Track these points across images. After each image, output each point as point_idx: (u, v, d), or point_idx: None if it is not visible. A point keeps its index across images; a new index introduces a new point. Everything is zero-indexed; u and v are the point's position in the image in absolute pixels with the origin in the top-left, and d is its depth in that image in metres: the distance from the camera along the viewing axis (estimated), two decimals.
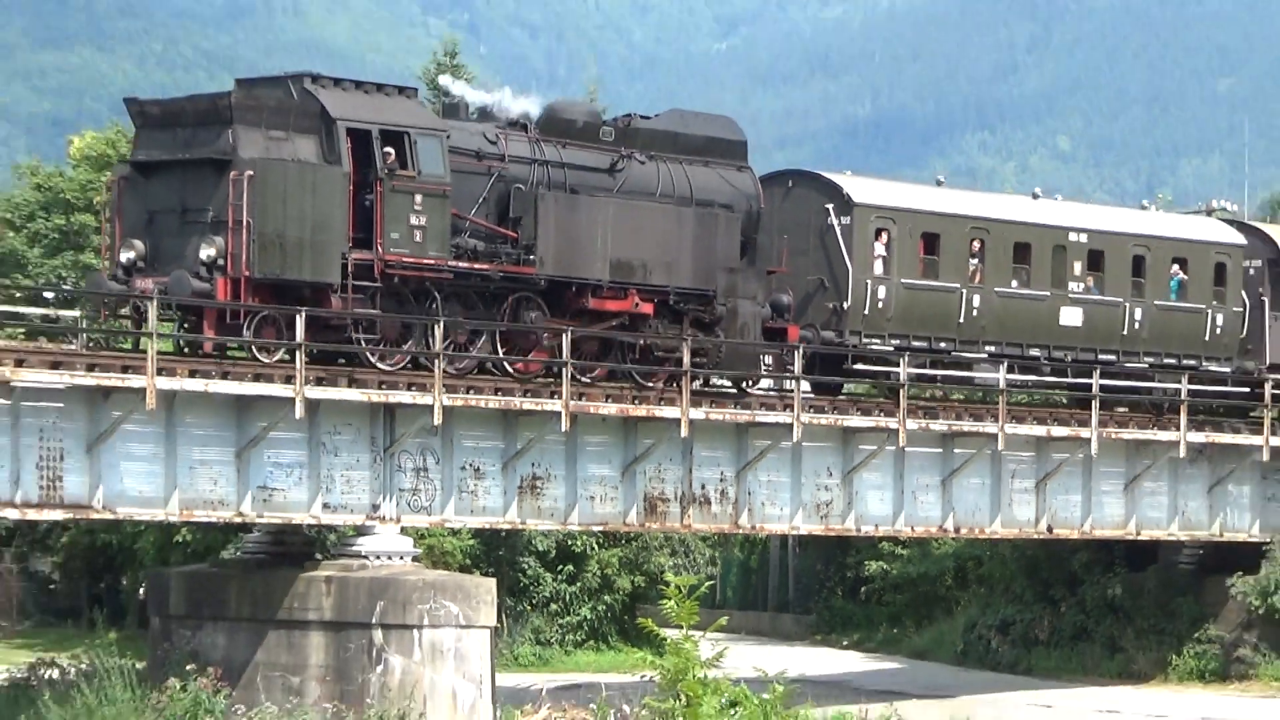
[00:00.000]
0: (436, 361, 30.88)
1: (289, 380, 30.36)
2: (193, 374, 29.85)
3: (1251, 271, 43.44)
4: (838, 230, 36.65)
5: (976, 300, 38.08)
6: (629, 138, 34.58)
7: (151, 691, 31.38)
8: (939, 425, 37.46)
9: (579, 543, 48.21)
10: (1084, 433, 39.08)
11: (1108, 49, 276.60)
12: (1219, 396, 42.58)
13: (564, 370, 32.17)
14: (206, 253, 29.62)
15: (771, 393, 37.14)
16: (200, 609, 35.95)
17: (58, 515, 34.62)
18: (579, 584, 51.00)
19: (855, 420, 36.85)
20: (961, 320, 37.78)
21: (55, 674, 36.52)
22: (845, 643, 57.42)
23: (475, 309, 32.84)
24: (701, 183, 35.22)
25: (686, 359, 33.39)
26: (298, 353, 29.49)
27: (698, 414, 33.62)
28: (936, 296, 38.01)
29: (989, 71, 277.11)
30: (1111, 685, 45.78)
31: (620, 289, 33.80)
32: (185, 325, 31.71)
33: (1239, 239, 43.82)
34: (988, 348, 38.35)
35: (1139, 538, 44.78)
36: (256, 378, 31.06)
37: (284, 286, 30.25)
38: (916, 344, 37.50)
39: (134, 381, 28.58)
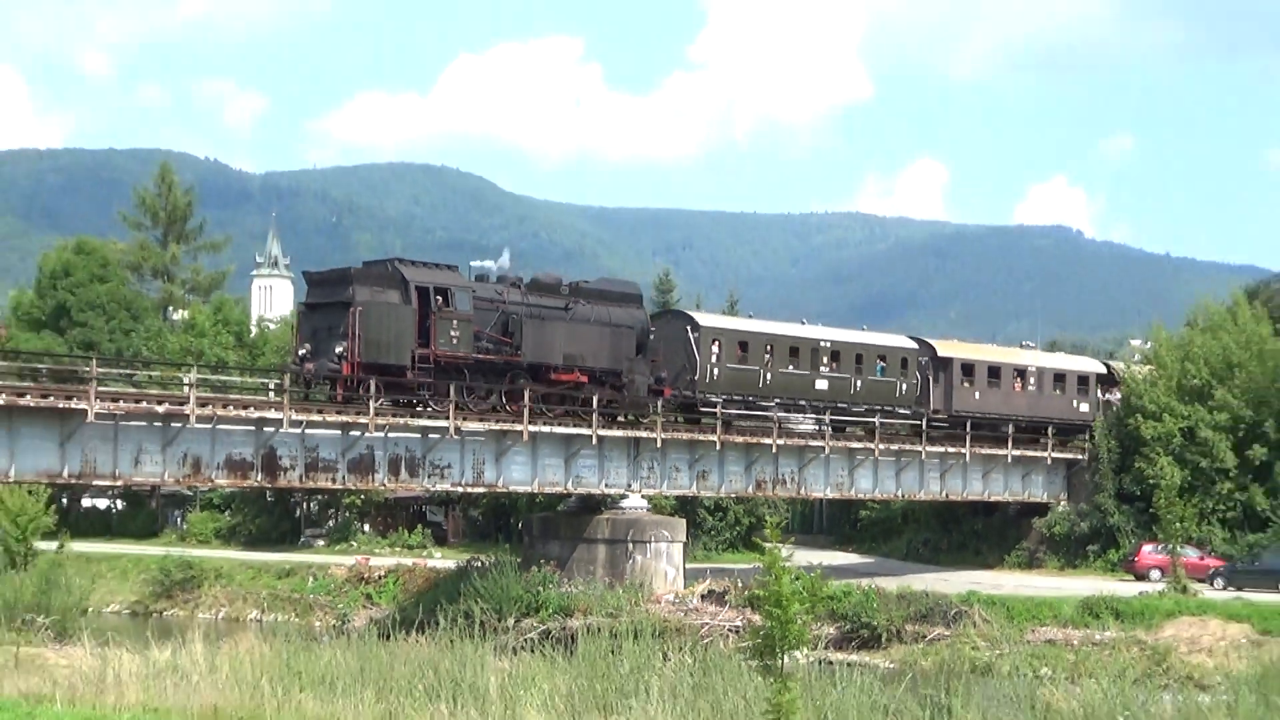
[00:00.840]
0: (659, 418, 50.04)
1: (582, 424, 48.24)
2: (538, 419, 46.48)
3: (921, 362, 61.47)
4: (692, 340, 52.87)
5: (769, 376, 54.91)
6: (576, 292, 49.49)
7: (524, 573, 50.60)
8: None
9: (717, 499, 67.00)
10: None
11: None
12: (905, 420, 60.80)
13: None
14: (339, 349, 42.04)
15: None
16: (546, 534, 54.41)
17: (480, 490, 52.30)
18: (724, 521, 72.78)
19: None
20: (760, 386, 54.72)
21: (479, 563, 54.39)
22: (850, 549, 75.97)
23: (490, 380, 46.41)
24: (615, 315, 49.91)
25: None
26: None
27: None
28: (747, 373, 54.43)
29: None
30: (976, 571, 63.94)
31: (569, 369, 47.79)
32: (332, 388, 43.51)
33: (913, 345, 62.38)
34: (775, 400, 54.85)
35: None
36: (573, 424, 48.72)
37: (381, 368, 42.38)
38: (735, 398, 53.85)
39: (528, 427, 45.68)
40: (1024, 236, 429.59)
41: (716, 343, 52.92)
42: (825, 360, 56.39)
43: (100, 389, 39.24)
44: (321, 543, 71.52)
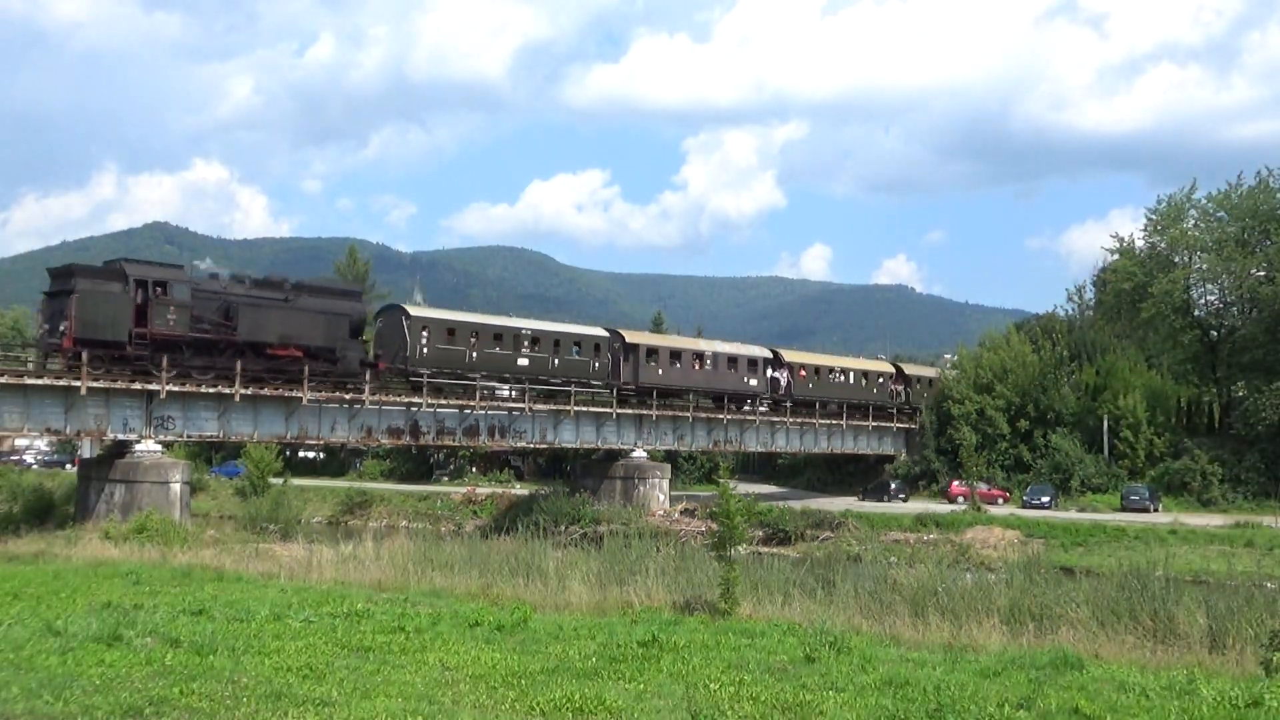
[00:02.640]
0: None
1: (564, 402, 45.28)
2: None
3: (614, 346, 50.90)
4: (405, 327, 42.86)
5: (474, 355, 44.40)
6: (299, 288, 39.64)
7: (571, 498, 49.86)
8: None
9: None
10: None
11: None
12: (601, 391, 50.64)
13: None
14: (61, 327, 33.52)
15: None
16: (584, 473, 53.03)
17: (544, 446, 49.87)
18: (695, 464, 70.38)
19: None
20: (466, 363, 44.09)
21: (543, 492, 54.43)
22: (771, 483, 71.72)
23: (211, 355, 36.79)
24: (332, 305, 39.84)
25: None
26: None
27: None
28: (454, 353, 43.83)
29: None
30: (850, 497, 60.55)
31: (284, 346, 38.24)
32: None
33: (606, 334, 51.31)
34: (482, 373, 44.50)
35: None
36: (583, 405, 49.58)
37: (99, 343, 33.72)
38: (445, 371, 43.76)
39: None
40: (879, 291, 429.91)
41: (425, 329, 43.45)
42: (526, 344, 46.59)
43: (310, 385, 39.20)
44: (446, 479, 71.19)
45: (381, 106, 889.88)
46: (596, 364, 49.70)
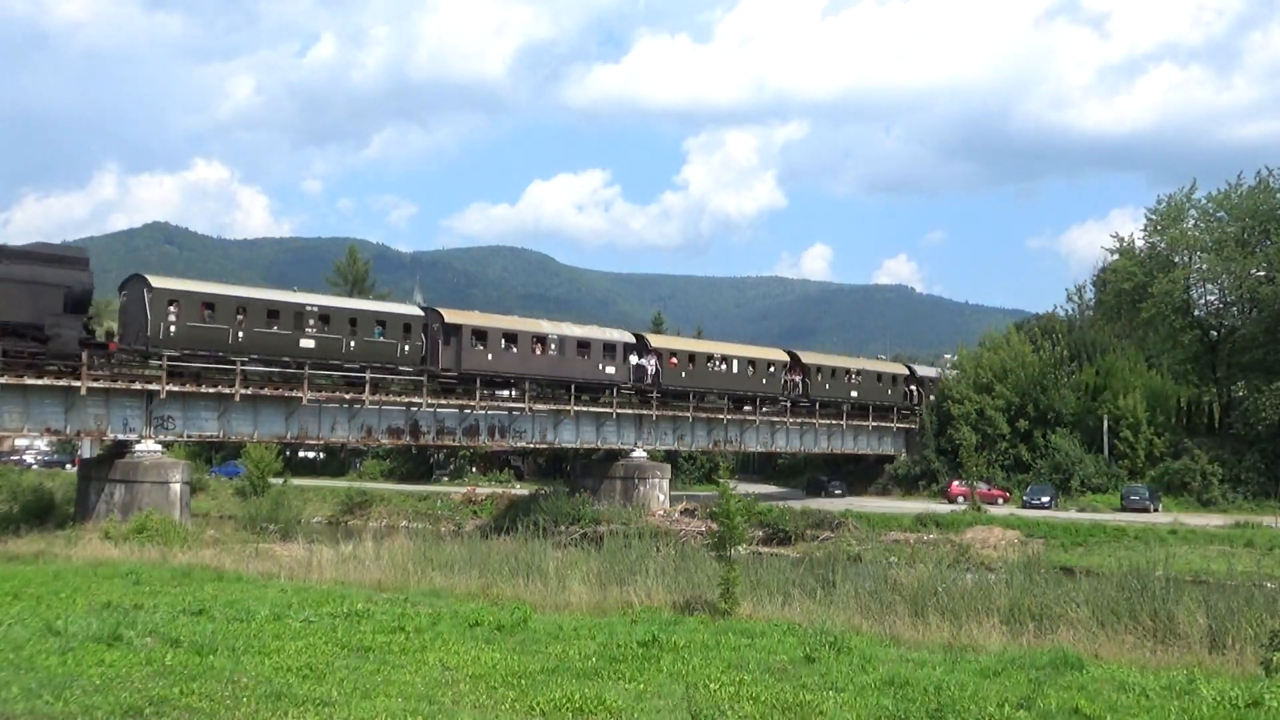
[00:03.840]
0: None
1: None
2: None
3: (432, 328, 43.55)
4: (147, 300, 35.69)
5: (241, 334, 37.44)
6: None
7: (571, 497, 49.52)
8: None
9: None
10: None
11: None
12: (407, 377, 43.06)
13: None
14: None
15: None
16: (584, 474, 52.59)
17: (544, 446, 49.94)
18: (695, 464, 69.96)
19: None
20: (230, 343, 37.13)
21: (543, 492, 53.84)
22: (771, 483, 71.87)
23: None
24: (43, 275, 33.57)
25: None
26: None
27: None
28: (213, 331, 36.85)
29: None
30: (850, 497, 60.22)
31: None
32: None
33: (419, 313, 44.18)
34: (252, 355, 37.75)
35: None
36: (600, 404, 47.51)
37: None
38: (202, 353, 36.78)
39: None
40: (879, 291, 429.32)
41: (174, 304, 36.45)
42: (312, 323, 39.68)
43: (310, 385, 39.35)
44: (446, 479, 71.13)
45: (383, 106, 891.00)
46: (406, 347, 42.40)
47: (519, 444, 48.75)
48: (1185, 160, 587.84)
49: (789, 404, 58.46)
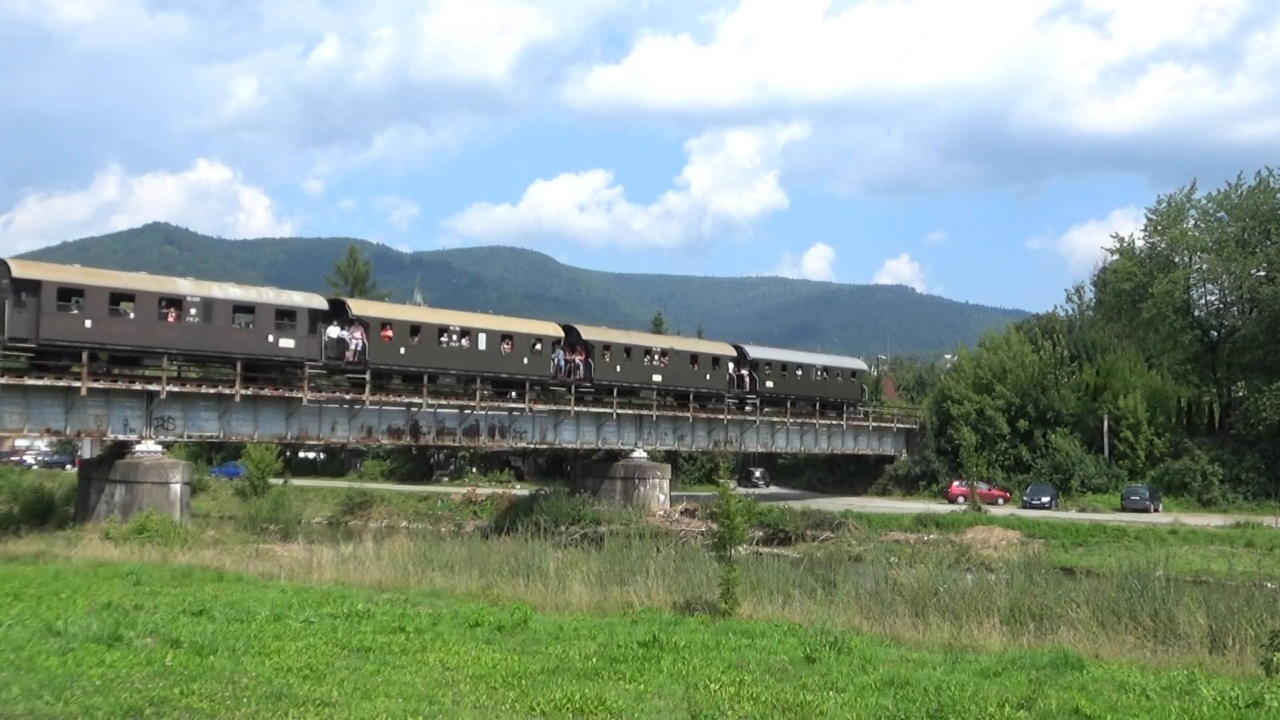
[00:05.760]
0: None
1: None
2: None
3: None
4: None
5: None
6: None
7: (571, 498, 49.40)
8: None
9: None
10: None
11: None
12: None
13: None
14: None
15: None
16: (584, 473, 52.28)
17: (544, 446, 49.37)
18: (695, 464, 69.07)
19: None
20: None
21: (543, 492, 53.38)
22: (774, 484, 71.05)
23: None
24: None
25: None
26: None
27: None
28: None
29: None
30: (850, 497, 60.36)
31: None
32: None
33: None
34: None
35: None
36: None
37: None
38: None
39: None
40: (880, 291, 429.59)
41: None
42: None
43: (310, 385, 39.26)
44: (446, 479, 70.91)
45: (385, 107, 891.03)
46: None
47: (519, 444, 48.66)
48: (1188, 160, 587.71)
49: (571, 392, 47.86)
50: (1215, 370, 61.44)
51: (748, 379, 55.59)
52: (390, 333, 41.12)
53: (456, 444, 49.51)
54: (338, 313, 40.53)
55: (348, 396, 40.81)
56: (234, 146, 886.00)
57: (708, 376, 53.40)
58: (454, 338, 43.15)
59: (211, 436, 39.22)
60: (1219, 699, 10.07)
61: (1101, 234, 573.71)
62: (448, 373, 43.11)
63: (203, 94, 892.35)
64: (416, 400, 42.49)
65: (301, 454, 77.25)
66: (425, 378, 42.22)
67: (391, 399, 42.10)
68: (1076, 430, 60.83)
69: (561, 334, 47.78)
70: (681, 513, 48.68)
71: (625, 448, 51.53)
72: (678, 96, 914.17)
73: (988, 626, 14.56)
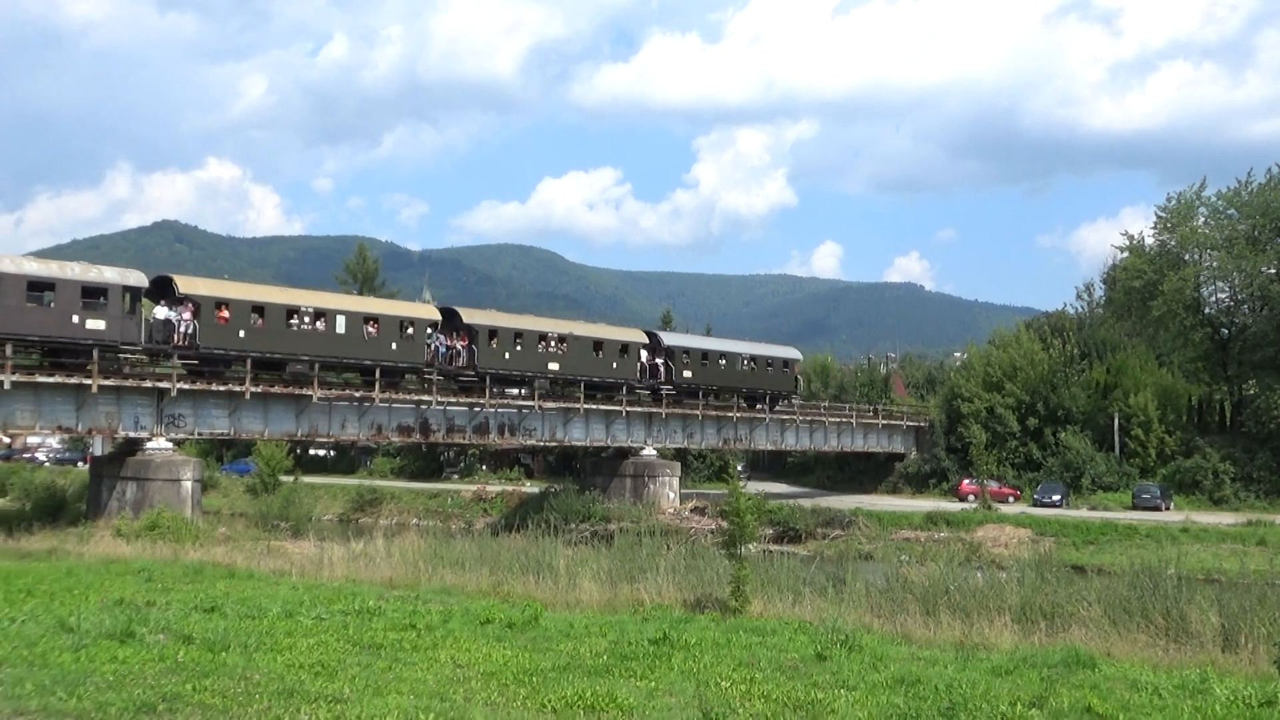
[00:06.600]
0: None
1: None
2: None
3: None
4: None
5: None
6: None
7: (581, 495, 49.99)
8: None
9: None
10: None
11: None
12: None
13: None
14: None
15: None
16: (594, 471, 52.95)
17: (554, 444, 49.92)
18: (704, 462, 68.73)
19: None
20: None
21: (553, 490, 53.67)
22: (782, 481, 71.10)
23: None
24: None
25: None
26: None
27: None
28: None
29: None
30: (860, 495, 60.99)
31: None
32: None
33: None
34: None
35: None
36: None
37: None
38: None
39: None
40: (889, 289, 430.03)
41: None
42: None
43: (321, 384, 39.41)
44: (456, 476, 71.00)
45: (394, 106, 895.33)
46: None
47: (529, 442, 48.65)
48: (1198, 158, 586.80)
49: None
50: (1226, 368, 61.18)
51: (663, 368, 51.10)
52: (227, 313, 36.65)
53: (466, 441, 49.49)
54: (165, 291, 36.48)
55: (357, 394, 40.87)
56: (244, 145, 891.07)
57: (614, 365, 48.89)
58: (306, 320, 38.70)
59: (222, 434, 39.35)
60: (1232, 698, 10.01)
61: (1111, 231, 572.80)
62: (298, 359, 38.61)
63: (212, 92, 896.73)
64: (426, 398, 42.54)
65: (312, 451, 77.46)
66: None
67: (401, 396, 42.16)
68: (1087, 428, 60.69)
69: (438, 317, 43.30)
70: (692, 510, 48.73)
71: (635, 445, 51.51)
72: (686, 94, 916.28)
73: (999, 625, 14.50)
